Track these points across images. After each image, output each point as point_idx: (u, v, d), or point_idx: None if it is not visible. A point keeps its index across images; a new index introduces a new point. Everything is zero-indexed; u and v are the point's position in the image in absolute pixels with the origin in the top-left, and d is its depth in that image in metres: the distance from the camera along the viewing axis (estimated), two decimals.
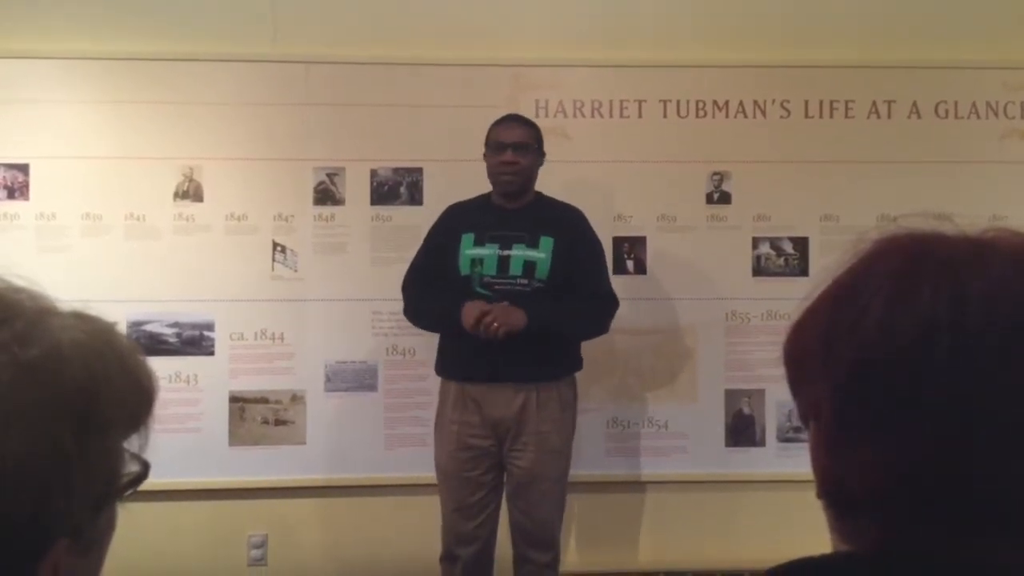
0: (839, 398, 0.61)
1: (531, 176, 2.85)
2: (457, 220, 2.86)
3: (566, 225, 2.83)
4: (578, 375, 2.91)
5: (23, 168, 3.27)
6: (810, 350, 0.64)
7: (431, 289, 2.83)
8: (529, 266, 2.75)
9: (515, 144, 2.80)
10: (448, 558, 2.82)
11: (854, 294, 0.62)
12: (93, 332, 0.66)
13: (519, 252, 2.76)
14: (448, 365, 2.84)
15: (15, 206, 3.26)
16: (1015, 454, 0.56)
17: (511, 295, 2.71)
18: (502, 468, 2.82)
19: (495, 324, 2.62)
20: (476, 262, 2.76)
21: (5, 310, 0.63)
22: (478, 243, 2.78)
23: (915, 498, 0.58)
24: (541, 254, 2.76)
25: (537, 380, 2.74)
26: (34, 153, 3.26)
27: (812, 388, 0.63)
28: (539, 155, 2.87)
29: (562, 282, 2.76)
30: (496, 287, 2.74)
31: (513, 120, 2.88)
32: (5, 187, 3.26)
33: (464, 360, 2.77)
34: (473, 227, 2.80)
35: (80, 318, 0.67)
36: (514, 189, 2.82)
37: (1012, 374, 0.56)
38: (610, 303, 2.86)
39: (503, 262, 2.75)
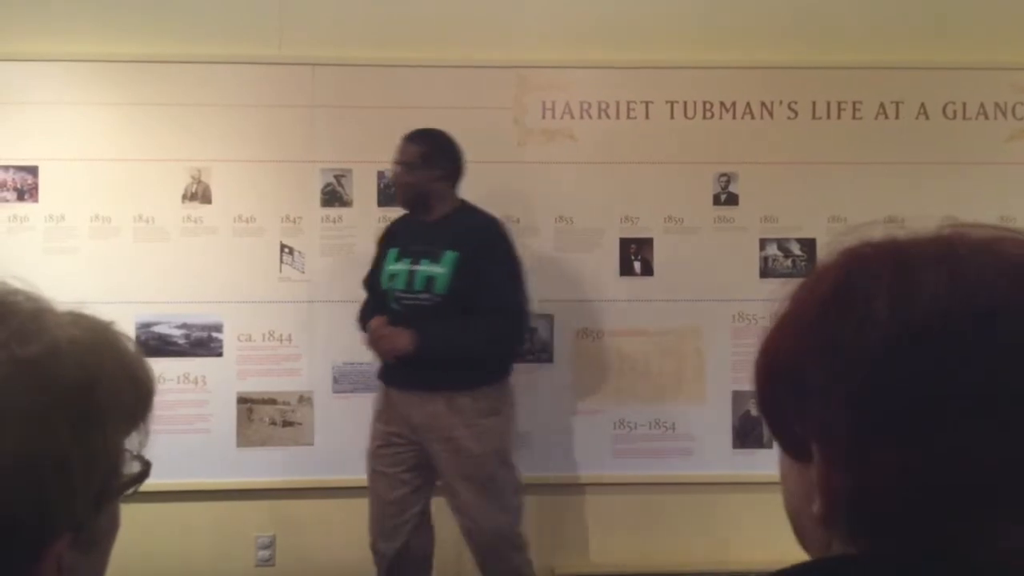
0: (854, 409, 0.58)
1: (423, 192, 2.83)
2: (390, 234, 2.95)
3: (471, 238, 2.79)
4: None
5: (32, 170, 3.28)
6: (809, 368, 0.61)
7: (369, 303, 2.95)
8: (430, 281, 2.76)
9: (402, 162, 2.85)
10: (373, 550, 2.87)
11: (847, 301, 0.61)
12: (90, 330, 0.67)
13: (424, 267, 2.78)
14: (379, 368, 2.92)
15: (24, 208, 3.27)
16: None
17: (416, 310, 2.76)
18: (431, 470, 2.84)
19: (383, 349, 2.76)
20: (391, 277, 2.82)
21: (1, 309, 0.63)
22: (399, 258, 2.84)
23: (942, 501, 0.57)
24: (441, 269, 2.75)
25: (449, 388, 2.74)
26: (43, 155, 3.28)
27: (813, 407, 0.61)
28: (430, 170, 2.83)
29: (464, 296, 2.72)
30: (404, 302, 2.79)
31: (406, 138, 2.88)
32: (15, 189, 3.28)
33: (387, 365, 2.85)
34: (398, 242, 2.87)
35: (77, 317, 0.67)
36: (405, 204, 2.89)
37: (1001, 362, 0.56)
38: (508, 318, 2.77)
39: (411, 277, 2.79)
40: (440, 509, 2.91)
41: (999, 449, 0.55)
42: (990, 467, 0.55)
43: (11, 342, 0.61)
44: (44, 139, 3.26)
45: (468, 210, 2.88)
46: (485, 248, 2.78)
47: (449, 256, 2.75)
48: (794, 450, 0.63)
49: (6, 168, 3.27)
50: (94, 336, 0.67)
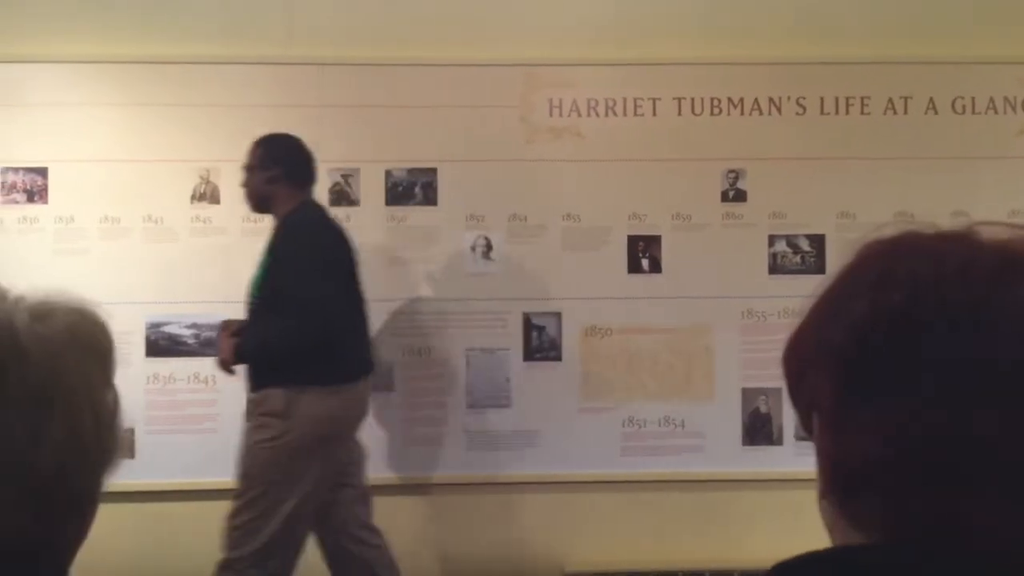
0: (836, 377, 0.63)
1: (261, 194, 2.86)
2: None
3: (277, 236, 2.80)
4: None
5: (42, 172, 3.30)
6: (804, 344, 0.67)
7: None
8: (254, 283, 2.81)
9: (244, 166, 2.88)
10: None
11: (841, 283, 0.67)
12: (78, 300, 0.73)
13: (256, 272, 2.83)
14: None
15: (34, 209, 3.29)
16: (1006, 418, 0.57)
17: (249, 315, 2.82)
18: None
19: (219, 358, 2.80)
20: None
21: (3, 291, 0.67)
22: None
23: (917, 465, 0.59)
24: (259, 270, 2.79)
25: (254, 390, 2.78)
26: (53, 156, 3.29)
27: (810, 380, 0.66)
28: (265, 172, 2.84)
29: (272, 296, 2.74)
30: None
31: (253, 142, 2.91)
32: (24, 191, 3.30)
33: None
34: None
35: (49, 293, 0.71)
36: (251, 206, 2.91)
37: (987, 338, 0.59)
38: (294, 314, 2.67)
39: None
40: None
41: (963, 428, 0.58)
42: (957, 445, 0.58)
43: (49, 317, 0.65)
44: (53, 141, 3.28)
45: (302, 209, 2.84)
46: (282, 245, 2.77)
47: (266, 257, 2.78)
48: (806, 426, 0.68)
49: (16, 170, 3.29)
50: (86, 305, 0.72)
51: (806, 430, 0.69)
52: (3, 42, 3.27)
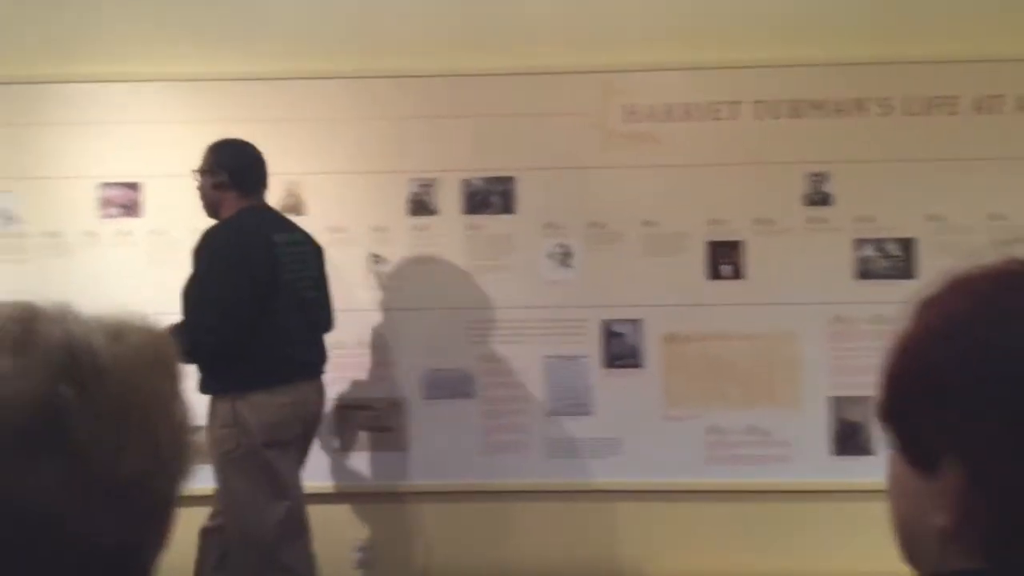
0: (1002, 421, 0.56)
1: (208, 199, 2.92)
2: None
3: (198, 242, 2.82)
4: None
5: (136, 187, 3.43)
6: (956, 376, 0.59)
7: None
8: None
9: (196, 170, 2.93)
10: None
11: (989, 310, 0.59)
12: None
13: None
14: None
15: (129, 223, 3.43)
16: None
17: None
18: None
19: None
20: None
21: (59, 312, 0.70)
22: None
23: None
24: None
25: (202, 393, 2.79)
26: (147, 172, 3.42)
27: (957, 418, 0.59)
28: (211, 178, 2.89)
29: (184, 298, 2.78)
30: None
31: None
32: (120, 205, 3.43)
33: None
34: None
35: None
36: (206, 213, 2.94)
37: None
38: (183, 326, 2.75)
39: None
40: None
41: None
42: None
43: (123, 336, 0.69)
44: (148, 156, 3.41)
45: (235, 217, 2.87)
46: (194, 258, 2.81)
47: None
48: (922, 460, 0.61)
49: (112, 185, 3.43)
50: (153, 324, 0.76)
51: (913, 456, 0.62)
52: (102, 64, 3.42)
